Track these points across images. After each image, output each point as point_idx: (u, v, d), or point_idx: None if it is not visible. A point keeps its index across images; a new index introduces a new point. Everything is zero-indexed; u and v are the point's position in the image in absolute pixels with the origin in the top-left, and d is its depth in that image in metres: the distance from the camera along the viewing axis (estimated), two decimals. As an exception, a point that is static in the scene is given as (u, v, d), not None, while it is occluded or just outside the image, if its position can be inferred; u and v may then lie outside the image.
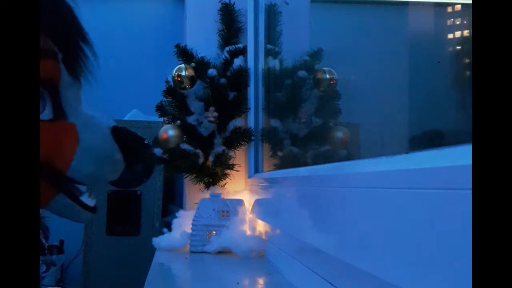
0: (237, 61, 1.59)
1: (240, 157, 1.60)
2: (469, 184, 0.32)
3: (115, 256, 1.95)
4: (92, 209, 0.73)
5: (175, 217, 1.53)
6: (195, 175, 1.56)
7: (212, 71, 1.54)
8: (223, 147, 1.55)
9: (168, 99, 1.58)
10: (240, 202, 1.44)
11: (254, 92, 1.63)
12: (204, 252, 1.38)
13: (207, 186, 1.55)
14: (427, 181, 0.40)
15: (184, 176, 1.59)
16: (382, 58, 1.88)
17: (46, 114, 0.64)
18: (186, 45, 1.61)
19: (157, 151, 1.53)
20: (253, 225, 1.37)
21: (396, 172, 0.46)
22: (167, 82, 1.58)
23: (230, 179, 1.58)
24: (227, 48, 1.63)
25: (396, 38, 1.81)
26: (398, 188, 0.45)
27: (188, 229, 1.43)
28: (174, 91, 1.57)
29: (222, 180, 1.57)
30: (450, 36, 1.53)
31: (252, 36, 1.66)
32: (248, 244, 1.31)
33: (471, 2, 0.35)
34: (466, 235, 0.33)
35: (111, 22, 2.65)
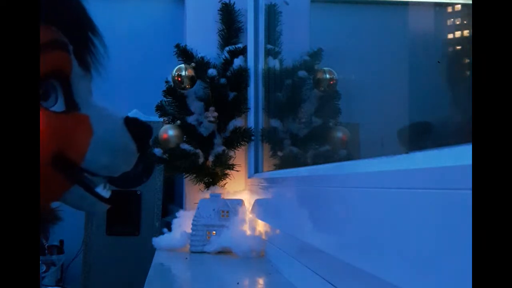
0: (237, 61, 1.59)
1: (240, 157, 1.60)
2: (469, 184, 0.32)
3: (115, 256, 1.95)
4: (108, 201, 0.73)
5: (175, 217, 1.53)
6: (195, 175, 1.56)
7: (212, 71, 1.54)
8: (223, 147, 1.55)
9: (168, 99, 1.58)
10: (240, 202, 1.44)
11: (254, 92, 1.63)
12: (204, 252, 1.38)
13: (207, 186, 1.56)
14: (427, 181, 0.40)
15: (184, 176, 1.59)
16: (382, 58, 1.88)
17: (59, 106, 0.64)
18: (186, 45, 1.61)
19: (157, 151, 1.53)
20: (253, 225, 1.37)
21: (396, 172, 0.46)
22: (167, 82, 1.58)
23: (230, 179, 1.58)
24: (227, 48, 1.63)
25: (396, 38, 1.80)
26: (398, 188, 0.45)
27: (188, 229, 1.43)
28: (174, 91, 1.57)
29: (222, 180, 1.57)
30: (450, 36, 1.53)
31: (252, 36, 1.66)
32: (248, 244, 1.31)
33: (471, 2, 0.35)
34: (466, 235, 0.33)
35: (111, 22, 2.64)
